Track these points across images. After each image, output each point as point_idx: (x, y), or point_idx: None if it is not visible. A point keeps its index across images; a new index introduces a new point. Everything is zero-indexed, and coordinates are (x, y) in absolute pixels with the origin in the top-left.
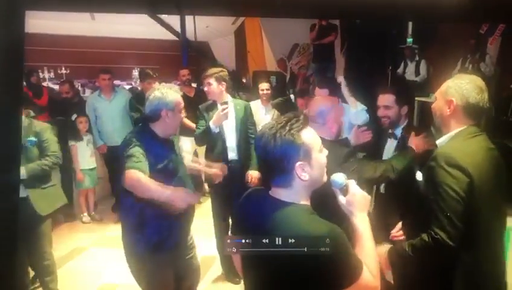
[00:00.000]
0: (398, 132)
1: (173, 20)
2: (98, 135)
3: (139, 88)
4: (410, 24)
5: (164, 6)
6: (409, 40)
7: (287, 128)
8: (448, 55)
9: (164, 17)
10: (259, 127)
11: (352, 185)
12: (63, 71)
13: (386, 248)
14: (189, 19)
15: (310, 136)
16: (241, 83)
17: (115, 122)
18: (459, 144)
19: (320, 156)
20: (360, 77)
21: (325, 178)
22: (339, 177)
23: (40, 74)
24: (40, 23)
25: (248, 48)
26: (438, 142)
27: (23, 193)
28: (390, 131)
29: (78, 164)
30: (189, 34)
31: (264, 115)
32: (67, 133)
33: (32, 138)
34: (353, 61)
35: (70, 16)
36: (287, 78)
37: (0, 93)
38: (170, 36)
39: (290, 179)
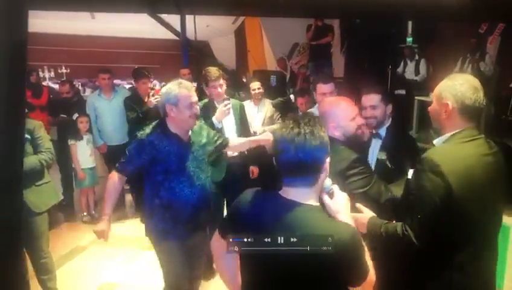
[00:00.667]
0: (383, 131)
1: (173, 19)
2: (98, 134)
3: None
4: (410, 23)
5: (164, 5)
6: (409, 39)
7: (314, 125)
8: (448, 55)
9: (164, 16)
10: (252, 127)
11: (337, 189)
12: (63, 70)
13: (369, 215)
14: (189, 18)
15: None
16: (241, 82)
17: (115, 121)
18: (450, 148)
19: None
20: (360, 76)
21: None
22: (326, 181)
23: (40, 73)
24: (40, 22)
25: (248, 47)
26: (434, 141)
27: None
28: (374, 131)
29: (79, 163)
30: (190, 33)
31: (256, 114)
32: (67, 131)
33: (26, 135)
34: (353, 60)
35: (70, 15)
36: (287, 78)
37: (3, 92)
38: (170, 35)
39: (318, 176)
